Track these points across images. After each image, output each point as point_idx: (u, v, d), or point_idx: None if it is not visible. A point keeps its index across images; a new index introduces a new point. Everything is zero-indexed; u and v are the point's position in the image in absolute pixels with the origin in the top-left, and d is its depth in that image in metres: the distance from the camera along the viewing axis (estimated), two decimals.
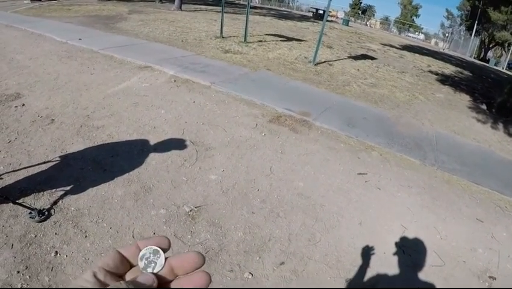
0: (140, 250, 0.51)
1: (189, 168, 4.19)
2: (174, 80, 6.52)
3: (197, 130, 5.02)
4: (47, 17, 9.98)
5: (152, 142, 4.50)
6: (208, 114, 5.59)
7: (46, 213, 3.24)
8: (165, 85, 6.27)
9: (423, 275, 3.26)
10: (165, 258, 0.52)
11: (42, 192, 3.38)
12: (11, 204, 3.16)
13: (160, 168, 4.07)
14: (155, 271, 0.50)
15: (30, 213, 3.19)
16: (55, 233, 3.01)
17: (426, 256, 3.48)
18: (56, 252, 2.86)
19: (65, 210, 3.25)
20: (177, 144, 4.58)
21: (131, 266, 0.51)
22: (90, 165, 3.84)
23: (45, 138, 4.19)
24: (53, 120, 4.56)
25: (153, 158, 4.20)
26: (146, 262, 0.50)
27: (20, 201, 3.21)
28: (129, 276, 0.51)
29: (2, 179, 3.46)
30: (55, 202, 3.31)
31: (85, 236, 3.04)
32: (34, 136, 4.19)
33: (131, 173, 3.88)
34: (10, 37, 7.22)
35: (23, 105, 4.79)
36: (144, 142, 4.44)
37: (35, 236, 2.95)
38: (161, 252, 0.51)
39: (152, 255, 0.51)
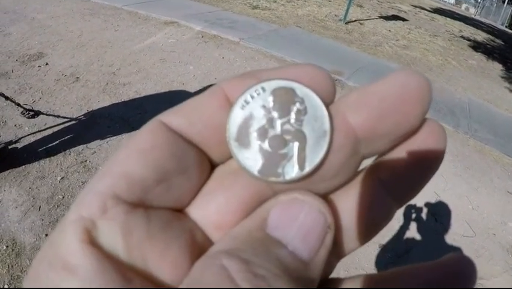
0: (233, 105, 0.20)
1: None
2: (202, 36, 6.16)
3: None
4: None
5: (182, 99, 4.10)
6: (238, 71, 5.26)
7: None
8: (192, 41, 5.92)
9: (455, 245, 3.18)
10: (328, 113, 0.20)
11: (69, 152, 3.19)
12: (36, 165, 3.00)
13: None
14: (305, 171, 0.19)
15: None
16: None
17: (457, 226, 3.40)
18: None
19: (94, 170, 3.06)
20: None
21: (212, 165, 0.22)
22: (117, 123, 3.62)
23: (70, 96, 3.97)
24: (78, 78, 4.33)
25: None
26: (268, 148, 0.19)
27: (47, 161, 3.05)
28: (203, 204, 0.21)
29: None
30: (82, 162, 3.11)
31: None
32: (59, 95, 3.98)
33: None
34: None
35: (47, 64, 4.57)
36: (173, 99, 4.16)
37: (63, 197, 2.78)
38: (312, 94, 0.20)
39: (278, 112, 0.19)
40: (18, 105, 3.09)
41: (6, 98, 2.96)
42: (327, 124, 0.19)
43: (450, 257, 0.20)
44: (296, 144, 0.19)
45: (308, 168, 0.19)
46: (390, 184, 0.21)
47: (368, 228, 0.22)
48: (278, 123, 0.19)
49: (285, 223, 0.19)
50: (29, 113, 3.14)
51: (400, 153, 0.21)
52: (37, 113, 3.21)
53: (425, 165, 0.21)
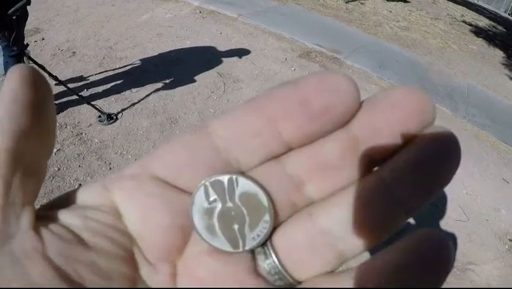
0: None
1: (216, 100, 3.94)
2: (200, 12, 6.10)
3: (224, 62, 4.70)
4: None
5: (178, 73, 4.23)
6: (236, 46, 5.23)
7: (115, 117, 3.34)
8: (190, 16, 5.87)
9: (448, 229, 3.20)
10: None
11: (65, 124, 3.22)
12: None
13: (186, 99, 3.84)
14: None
15: (99, 116, 3.27)
16: (79, 166, 2.87)
17: (451, 210, 3.40)
18: (80, 185, 2.72)
19: (89, 142, 3.10)
20: (204, 76, 4.30)
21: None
22: (113, 97, 3.63)
23: (67, 71, 3.97)
24: (74, 52, 4.32)
25: (179, 89, 3.95)
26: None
27: None
28: None
29: None
30: (78, 134, 3.14)
31: (109, 168, 2.90)
32: (55, 70, 3.95)
33: (156, 104, 3.66)
34: None
35: (43, 39, 4.55)
36: (169, 74, 4.18)
37: (58, 169, 2.82)
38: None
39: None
40: None
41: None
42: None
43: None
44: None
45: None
46: (394, 187, 0.19)
47: (369, 232, 0.20)
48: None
49: None
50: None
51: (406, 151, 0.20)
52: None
53: (432, 167, 0.20)
